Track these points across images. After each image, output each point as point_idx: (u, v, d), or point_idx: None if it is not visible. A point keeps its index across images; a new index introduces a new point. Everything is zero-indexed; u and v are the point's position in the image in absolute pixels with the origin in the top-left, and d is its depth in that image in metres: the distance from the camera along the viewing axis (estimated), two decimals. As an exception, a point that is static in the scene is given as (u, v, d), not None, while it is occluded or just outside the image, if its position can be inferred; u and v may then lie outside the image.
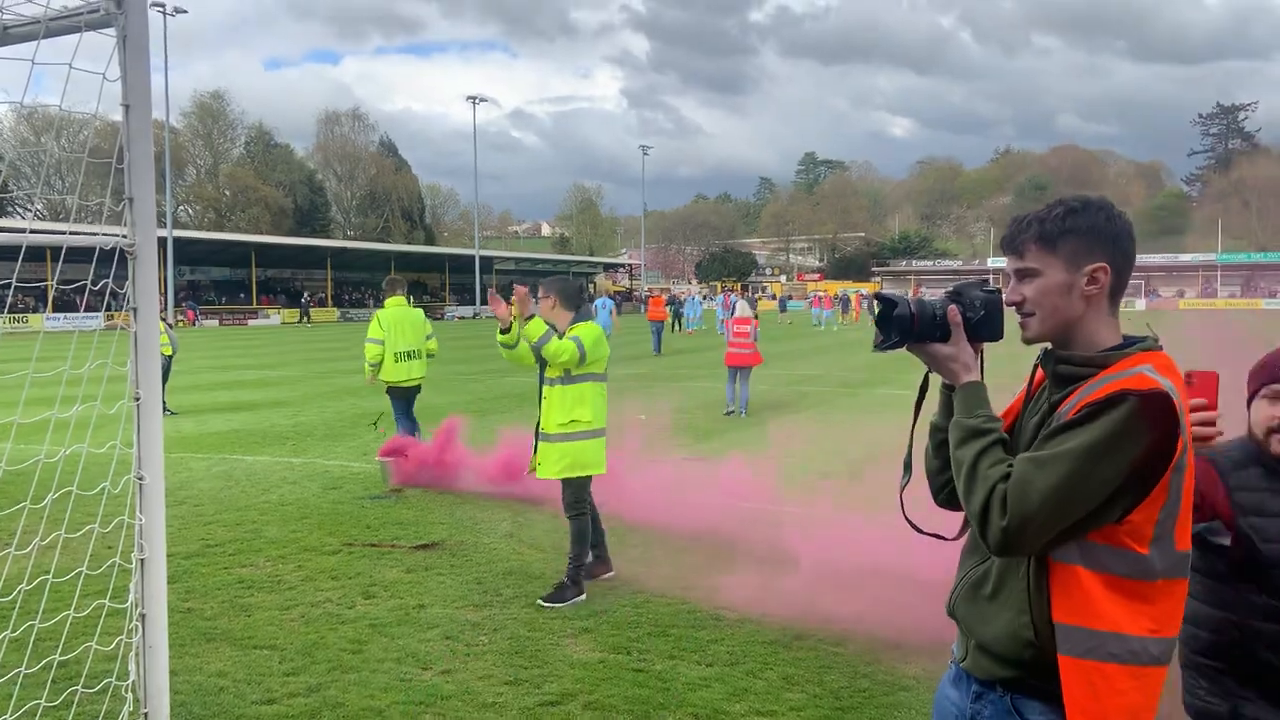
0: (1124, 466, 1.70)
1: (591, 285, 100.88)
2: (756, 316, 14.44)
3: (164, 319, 14.88)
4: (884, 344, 1.94)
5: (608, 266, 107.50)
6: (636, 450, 8.36)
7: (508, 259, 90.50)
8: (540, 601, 5.53)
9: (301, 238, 74.91)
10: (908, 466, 2.07)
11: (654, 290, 78.27)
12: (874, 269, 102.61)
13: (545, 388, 5.78)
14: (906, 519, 2.11)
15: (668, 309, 30.78)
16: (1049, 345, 1.92)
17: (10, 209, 56.78)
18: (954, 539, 2.08)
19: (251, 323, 59.09)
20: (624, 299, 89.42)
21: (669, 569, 6.12)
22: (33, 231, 3.12)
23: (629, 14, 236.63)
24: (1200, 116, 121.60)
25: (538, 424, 5.88)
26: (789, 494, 7.15)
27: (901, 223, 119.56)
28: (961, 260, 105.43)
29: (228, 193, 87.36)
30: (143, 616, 3.19)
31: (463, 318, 69.19)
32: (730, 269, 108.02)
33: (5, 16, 3.00)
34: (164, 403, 14.56)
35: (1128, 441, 1.70)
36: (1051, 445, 1.75)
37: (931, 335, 1.92)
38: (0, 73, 3.14)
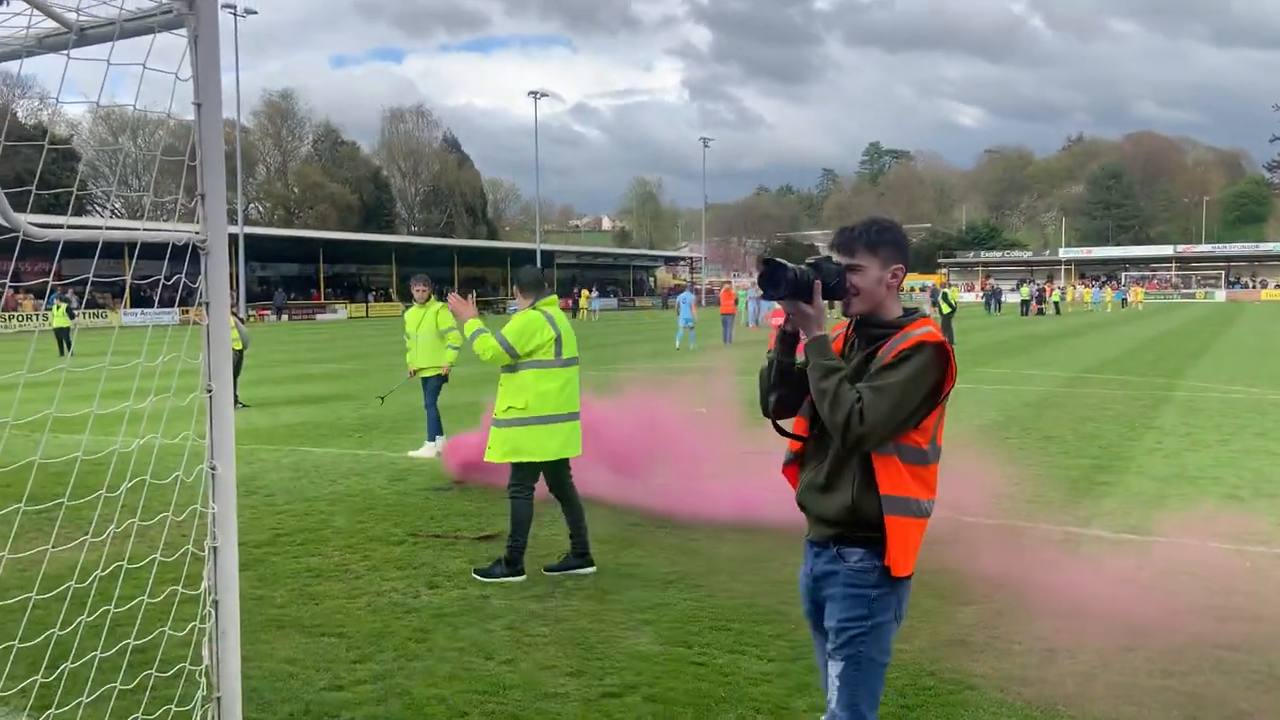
0: (926, 389, 2.62)
1: (652, 279, 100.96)
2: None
3: (235, 314, 15.24)
4: (769, 296, 2.68)
5: (668, 260, 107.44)
6: (697, 443, 8.33)
7: (568, 253, 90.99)
8: (474, 573, 5.92)
9: (367, 234, 76.24)
10: (771, 387, 2.86)
11: (724, 284, 77.96)
12: (940, 260, 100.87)
13: (501, 374, 6.03)
14: (777, 427, 2.91)
15: (736, 304, 31.17)
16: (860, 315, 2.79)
17: (89, 207, 58.73)
18: (805, 439, 2.85)
19: (319, 317, 60.32)
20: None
21: (730, 563, 6.09)
22: (108, 228, 3.19)
23: (691, 5, 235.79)
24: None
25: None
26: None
27: (969, 213, 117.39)
28: (1032, 251, 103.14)
29: (296, 190, 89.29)
30: (215, 603, 3.26)
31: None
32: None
33: (81, 19, 3.08)
34: (235, 395, 14.95)
35: (929, 373, 2.62)
36: (882, 378, 2.61)
37: (804, 296, 2.65)
38: (78, 75, 3.21)
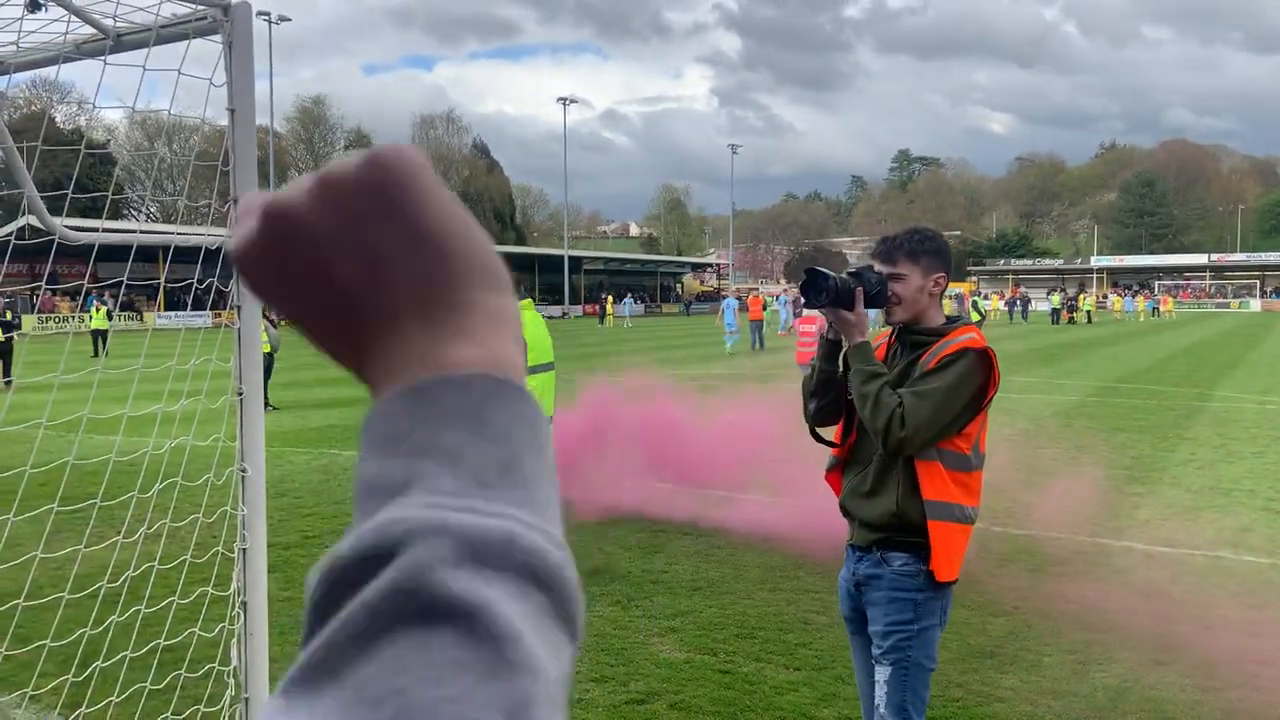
0: (968, 395, 2.67)
1: (679, 285, 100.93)
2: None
3: (269, 317, 15.32)
4: (811, 304, 2.78)
5: (695, 266, 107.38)
6: (725, 452, 8.31)
7: (596, 259, 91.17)
8: None
9: (397, 239, 76.59)
10: (812, 395, 2.93)
11: (752, 290, 78.40)
12: (970, 268, 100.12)
13: None
14: (815, 435, 2.99)
15: (764, 310, 31.45)
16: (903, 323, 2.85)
17: (125, 211, 59.64)
18: (841, 448, 2.92)
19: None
20: (710, 299, 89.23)
21: (755, 570, 6.06)
22: (142, 231, 3.24)
23: (722, 12, 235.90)
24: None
25: None
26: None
27: (999, 221, 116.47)
28: (1063, 259, 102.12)
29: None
30: (244, 604, 3.28)
31: (551, 317, 69.94)
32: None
33: (118, 25, 3.12)
34: (266, 398, 14.98)
35: (971, 379, 2.68)
36: (924, 383, 2.67)
37: (845, 304, 2.73)
38: (115, 80, 3.26)
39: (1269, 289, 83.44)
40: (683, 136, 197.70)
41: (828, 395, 2.89)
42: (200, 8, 3.17)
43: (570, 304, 73.58)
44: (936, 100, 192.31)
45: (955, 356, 2.69)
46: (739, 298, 36.10)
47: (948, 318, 2.88)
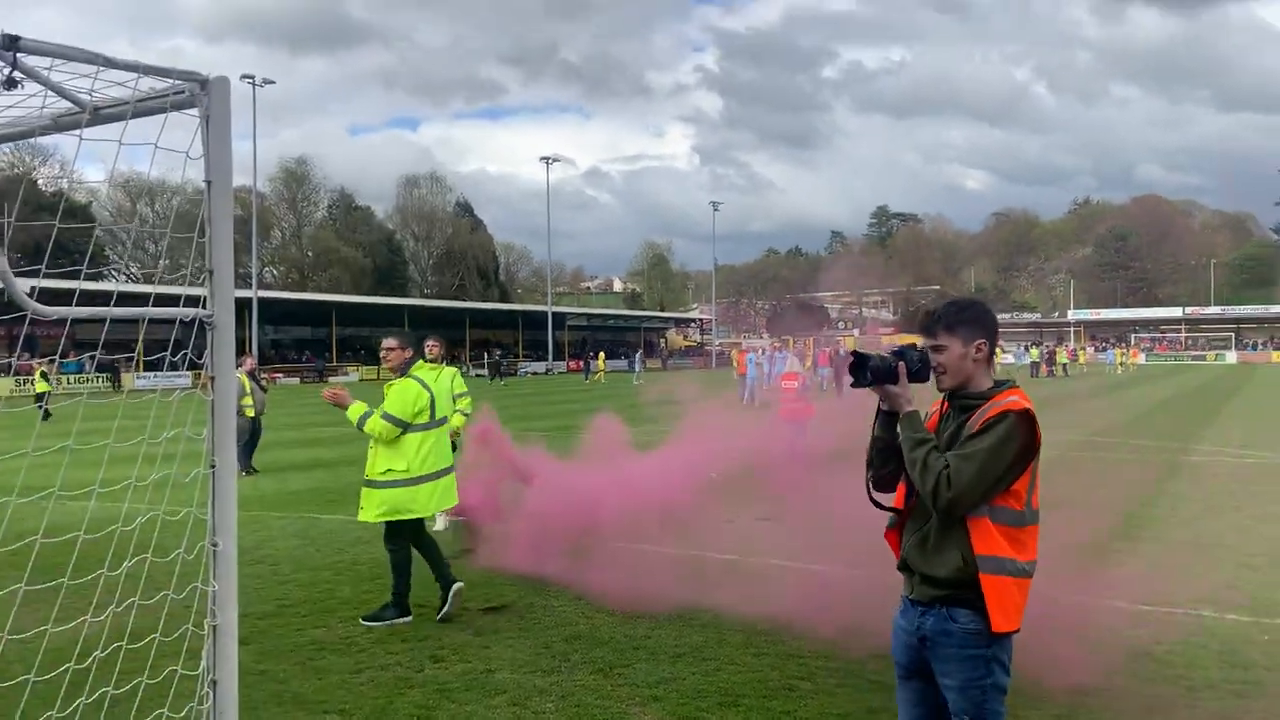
0: (1012, 455, 2.84)
1: (662, 340, 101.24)
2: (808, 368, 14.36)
3: (256, 379, 15.11)
4: (858, 384, 3.03)
5: (678, 321, 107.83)
6: (710, 511, 8.28)
7: (579, 314, 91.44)
8: (362, 620, 6.31)
9: (379, 296, 76.90)
10: (870, 464, 3.13)
11: (742, 345, 79.48)
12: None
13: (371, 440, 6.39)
14: (873, 500, 3.13)
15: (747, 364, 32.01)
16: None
17: (106, 272, 59.44)
18: (903, 510, 3.08)
19: (331, 380, 60.52)
20: (695, 353, 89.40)
21: (739, 635, 5.99)
22: (116, 305, 3.22)
23: (703, 73, 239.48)
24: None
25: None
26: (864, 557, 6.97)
27: (977, 275, 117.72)
28: (1040, 313, 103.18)
29: (310, 254, 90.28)
30: (214, 683, 3.22)
31: (535, 374, 69.86)
32: (801, 323, 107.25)
33: (95, 99, 3.14)
34: (250, 463, 14.64)
35: (1013, 440, 2.85)
36: (969, 446, 2.86)
37: (889, 379, 3.00)
38: (95, 145, 3.29)
39: (1246, 342, 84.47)
40: (665, 193, 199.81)
41: (887, 465, 3.09)
42: (177, 82, 3.20)
43: (554, 360, 73.52)
44: (913, 158, 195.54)
45: (997, 419, 2.88)
46: (709, 353, 36.66)
47: (996, 382, 3.05)
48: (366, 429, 6.31)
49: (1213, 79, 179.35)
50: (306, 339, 69.24)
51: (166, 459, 3.51)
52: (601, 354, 62.48)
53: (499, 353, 69.15)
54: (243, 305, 49.58)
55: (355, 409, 6.32)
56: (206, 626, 3.21)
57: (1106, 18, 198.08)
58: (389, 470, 6.32)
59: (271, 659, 5.67)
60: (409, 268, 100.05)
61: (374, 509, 6.39)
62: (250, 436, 14.47)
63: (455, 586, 6.49)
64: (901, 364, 3.00)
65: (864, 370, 3.01)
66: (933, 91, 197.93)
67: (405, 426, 6.33)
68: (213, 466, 3.22)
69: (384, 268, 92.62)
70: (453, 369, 9.65)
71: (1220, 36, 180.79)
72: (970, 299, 3.20)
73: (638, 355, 61.93)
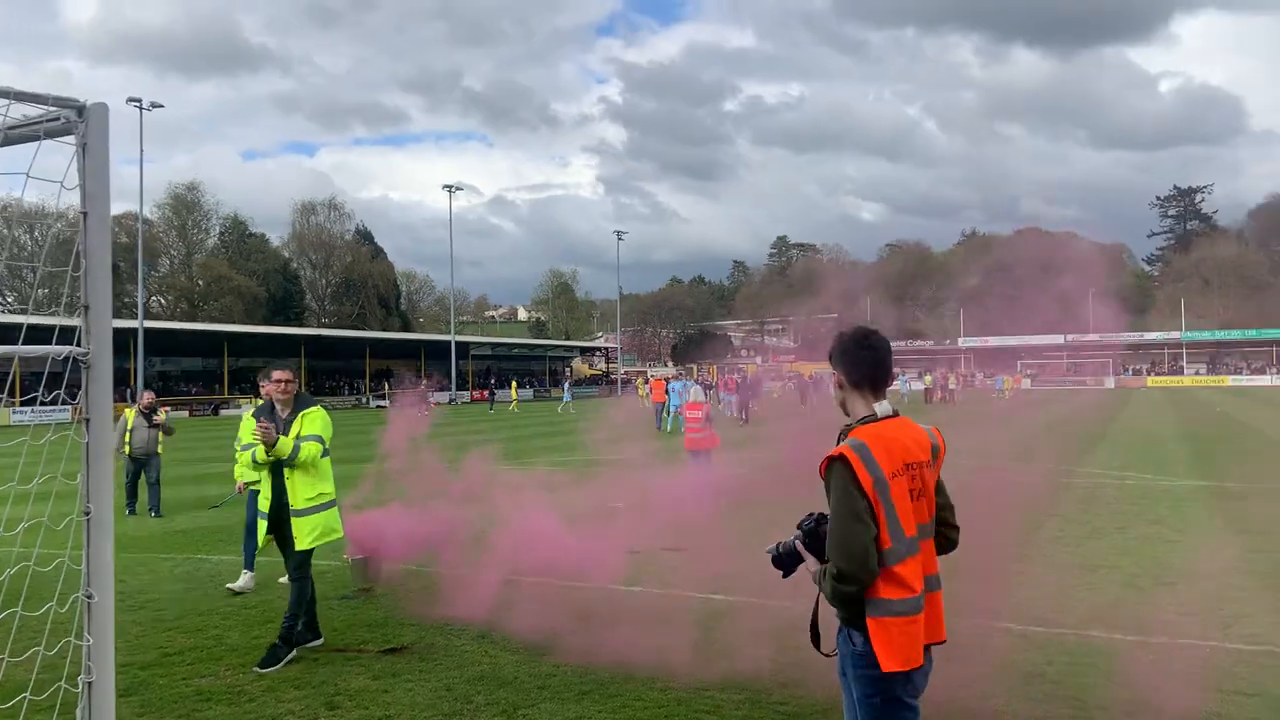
0: (851, 504, 2.93)
1: (568, 369, 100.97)
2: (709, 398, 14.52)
3: (144, 412, 14.16)
4: (785, 576, 3.27)
5: (583, 350, 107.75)
6: (619, 542, 8.21)
7: (483, 344, 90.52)
8: (256, 668, 6.07)
9: (275, 326, 74.79)
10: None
11: (641, 373, 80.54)
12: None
13: (287, 469, 6.37)
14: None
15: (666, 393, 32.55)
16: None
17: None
18: None
19: (223, 413, 58.40)
20: (600, 381, 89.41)
21: (645, 668, 5.91)
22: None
23: (607, 105, 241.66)
24: (1158, 199, 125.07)
25: (267, 505, 6.47)
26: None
27: (873, 304, 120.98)
28: (933, 340, 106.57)
29: (201, 283, 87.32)
30: (87, 746, 3.01)
31: (439, 403, 68.74)
32: (705, 351, 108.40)
33: (-38, 127, 2.96)
34: (157, 504, 13.65)
35: (845, 486, 2.94)
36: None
37: (796, 560, 3.18)
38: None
39: (1129, 367, 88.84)
40: (570, 222, 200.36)
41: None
42: (52, 109, 3.04)
43: (458, 389, 72.50)
44: (812, 189, 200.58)
45: (828, 471, 3.00)
46: (614, 380, 37.11)
47: (864, 418, 3.14)
48: (301, 457, 6.32)
49: (1088, 119, 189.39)
50: (197, 371, 66.77)
51: (42, 496, 3.30)
52: (514, 382, 62.14)
53: (424, 382, 67.93)
54: (127, 336, 47.49)
55: (285, 442, 6.31)
56: (81, 684, 3.02)
57: (990, 59, 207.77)
58: (319, 495, 6.43)
59: (153, 712, 5.37)
60: (306, 296, 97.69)
61: (307, 536, 6.38)
62: (134, 477, 13.77)
63: (316, 642, 6.60)
64: (800, 544, 3.15)
65: (782, 564, 3.23)
66: (830, 126, 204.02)
67: (326, 451, 6.53)
68: (87, 514, 3.04)
69: (279, 297, 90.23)
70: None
71: (1094, 78, 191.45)
72: (839, 333, 3.27)
73: (566, 385, 62.56)
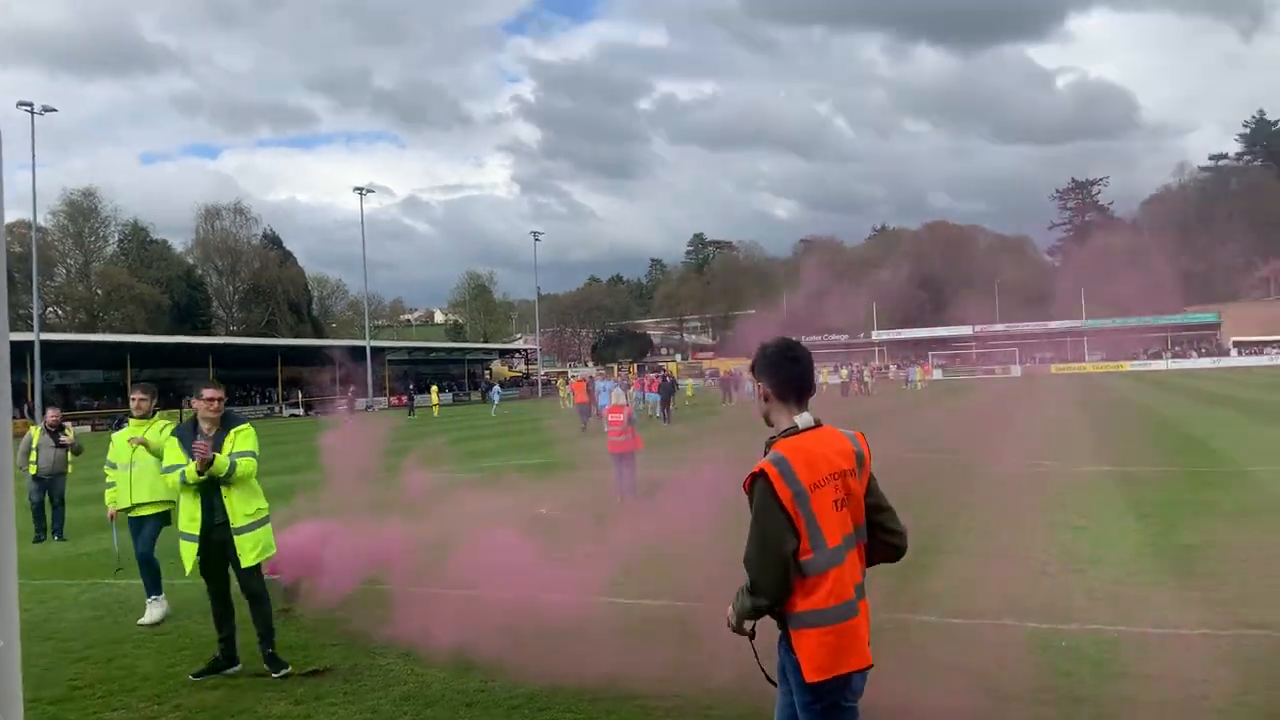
0: (772, 519, 2.99)
1: (487, 371, 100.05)
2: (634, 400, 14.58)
3: (58, 432, 13.53)
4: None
5: (502, 352, 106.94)
6: (541, 546, 8.18)
7: (399, 349, 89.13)
8: (275, 676, 6.24)
9: (180, 335, 72.48)
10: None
11: (561, 373, 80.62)
12: (763, 344, 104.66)
13: (224, 487, 6.35)
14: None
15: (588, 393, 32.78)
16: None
17: None
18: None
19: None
20: (519, 384, 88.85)
21: (574, 681, 5.90)
22: None
23: (520, 104, 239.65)
24: (1058, 192, 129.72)
25: (196, 526, 6.39)
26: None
27: (789, 300, 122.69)
28: (848, 335, 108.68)
29: (100, 292, 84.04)
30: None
31: (356, 409, 67.38)
32: (625, 351, 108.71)
33: None
34: (60, 527, 13.08)
35: (766, 501, 3.00)
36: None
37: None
38: None
39: (1037, 356, 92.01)
40: (486, 223, 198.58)
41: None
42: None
43: (375, 395, 71.22)
44: (727, 187, 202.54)
45: (751, 488, 3.05)
46: (535, 382, 37.22)
47: (787, 430, 3.19)
48: (239, 474, 6.36)
49: (991, 115, 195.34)
50: (98, 383, 64.28)
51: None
52: (434, 387, 61.36)
53: (352, 388, 66.42)
54: (24, 349, 45.47)
55: (221, 459, 6.30)
56: (-18, 736, 2.87)
57: (897, 57, 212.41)
58: (257, 510, 6.49)
59: (63, 752, 5.15)
60: (212, 304, 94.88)
61: (251, 553, 6.41)
62: (40, 500, 13.19)
63: (234, 669, 6.54)
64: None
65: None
66: (744, 124, 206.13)
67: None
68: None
69: (184, 305, 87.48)
70: (164, 422, 8.32)
71: (995, 75, 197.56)
72: (762, 345, 3.34)
73: (495, 388, 62.31)
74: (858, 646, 3.05)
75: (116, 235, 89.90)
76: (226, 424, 6.53)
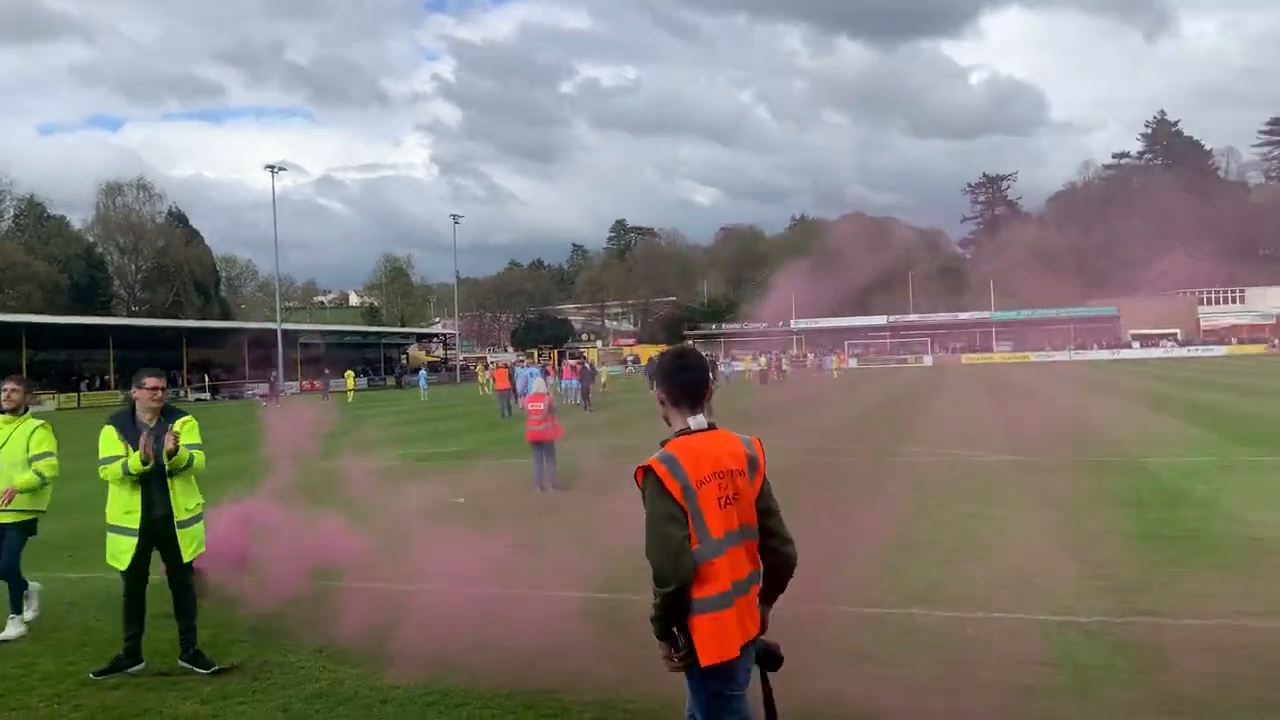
0: (664, 509, 3.23)
1: (404, 356, 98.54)
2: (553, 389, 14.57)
3: None
4: (775, 669, 3.56)
5: (420, 337, 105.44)
6: (460, 537, 8.11)
7: (313, 331, 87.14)
8: (205, 673, 6.11)
9: (79, 316, 69.67)
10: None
11: (480, 359, 79.90)
12: (686, 332, 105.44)
13: (169, 480, 6.21)
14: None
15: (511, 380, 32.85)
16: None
17: None
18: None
19: (36, 410, 53.93)
20: (437, 369, 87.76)
21: (492, 675, 5.87)
22: None
23: (440, 83, 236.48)
24: (969, 186, 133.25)
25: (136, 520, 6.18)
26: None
27: (710, 287, 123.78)
28: (766, 323, 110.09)
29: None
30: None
31: (264, 396, 65.73)
32: (546, 336, 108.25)
33: None
34: None
35: (656, 493, 3.26)
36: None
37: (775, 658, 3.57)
38: None
39: (951, 346, 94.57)
40: (404, 204, 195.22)
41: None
42: None
43: (287, 380, 69.51)
44: (649, 173, 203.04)
45: (643, 480, 3.30)
46: (449, 367, 36.98)
47: (680, 430, 3.44)
48: (196, 467, 6.34)
49: (907, 109, 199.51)
50: (-9, 365, 61.41)
51: None
52: (350, 372, 60.13)
53: (274, 373, 64.47)
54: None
55: (184, 451, 6.21)
56: None
57: (818, 49, 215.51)
58: (197, 505, 6.45)
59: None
60: (114, 284, 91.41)
61: (190, 547, 6.35)
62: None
63: (138, 667, 6.32)
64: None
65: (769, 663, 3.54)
66: (666, 110, 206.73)
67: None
68: None
69: (83, 284, 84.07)
70: (38, 421, 7.65)
71: (913, 70, 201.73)
72: (659, 354, 3.72)
73: (421, 373, 61.76)
74: (730, 637, 3.27)
75: (12, 210, 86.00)
76: (168, 415, 6.32)
